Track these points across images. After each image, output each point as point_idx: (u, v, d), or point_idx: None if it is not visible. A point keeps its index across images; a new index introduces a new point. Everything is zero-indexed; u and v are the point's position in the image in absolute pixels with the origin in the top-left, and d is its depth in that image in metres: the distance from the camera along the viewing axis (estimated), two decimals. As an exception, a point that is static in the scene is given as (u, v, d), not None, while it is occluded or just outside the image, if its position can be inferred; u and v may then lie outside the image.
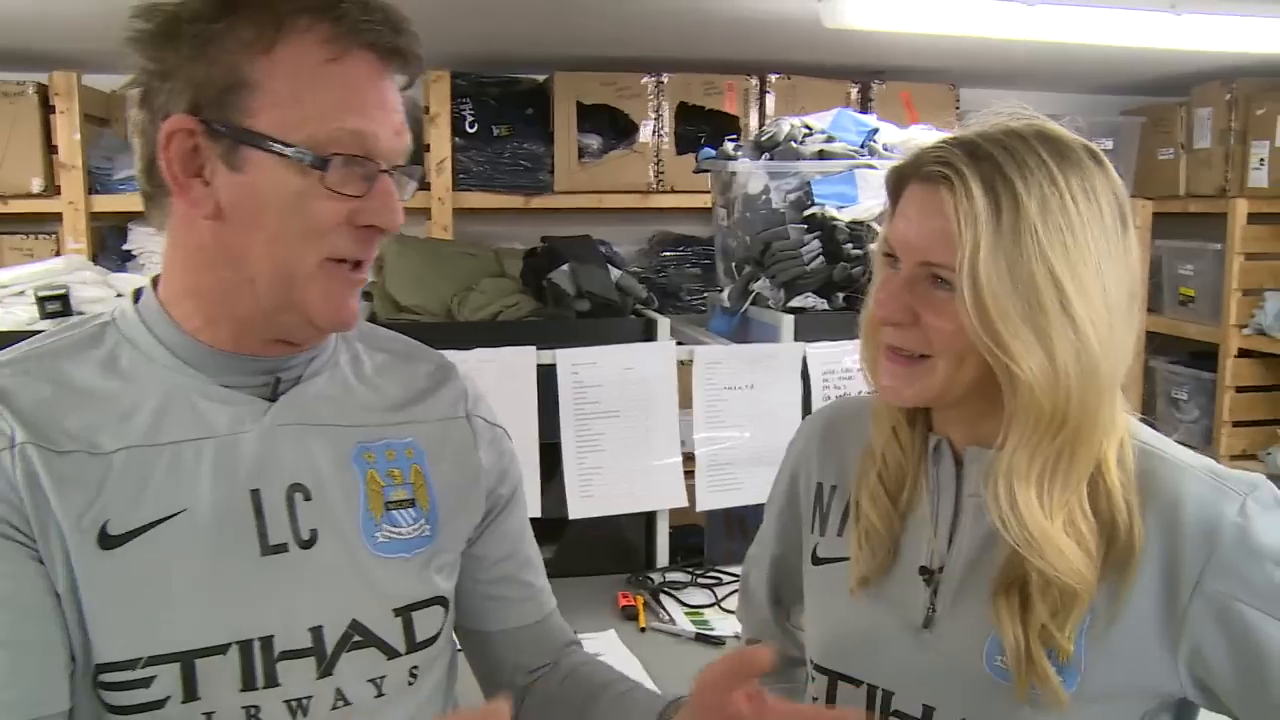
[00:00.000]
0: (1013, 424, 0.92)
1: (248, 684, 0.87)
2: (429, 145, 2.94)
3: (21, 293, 2.00)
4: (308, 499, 0.92)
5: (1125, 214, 0.95)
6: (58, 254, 2.81)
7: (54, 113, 2.79)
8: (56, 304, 1.94)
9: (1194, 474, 0.94)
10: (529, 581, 1.14)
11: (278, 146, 0.84)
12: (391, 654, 0.95)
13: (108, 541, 0.85)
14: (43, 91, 2.81)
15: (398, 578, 0.96)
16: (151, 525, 0.86)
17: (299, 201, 0.85)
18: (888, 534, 1.04)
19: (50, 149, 2.83)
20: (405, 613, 0.96)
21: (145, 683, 0.84)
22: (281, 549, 0.90)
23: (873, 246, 2.18)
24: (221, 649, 0.87)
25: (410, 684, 0.96)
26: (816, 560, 1.13)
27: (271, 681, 0.88)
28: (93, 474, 0.85)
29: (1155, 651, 0.92)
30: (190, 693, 0.85)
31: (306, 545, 0.91)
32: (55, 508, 0.83)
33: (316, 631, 0.91)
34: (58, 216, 2.85)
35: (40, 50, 2.74)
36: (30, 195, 2.82)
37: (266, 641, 0.88)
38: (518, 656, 1.14)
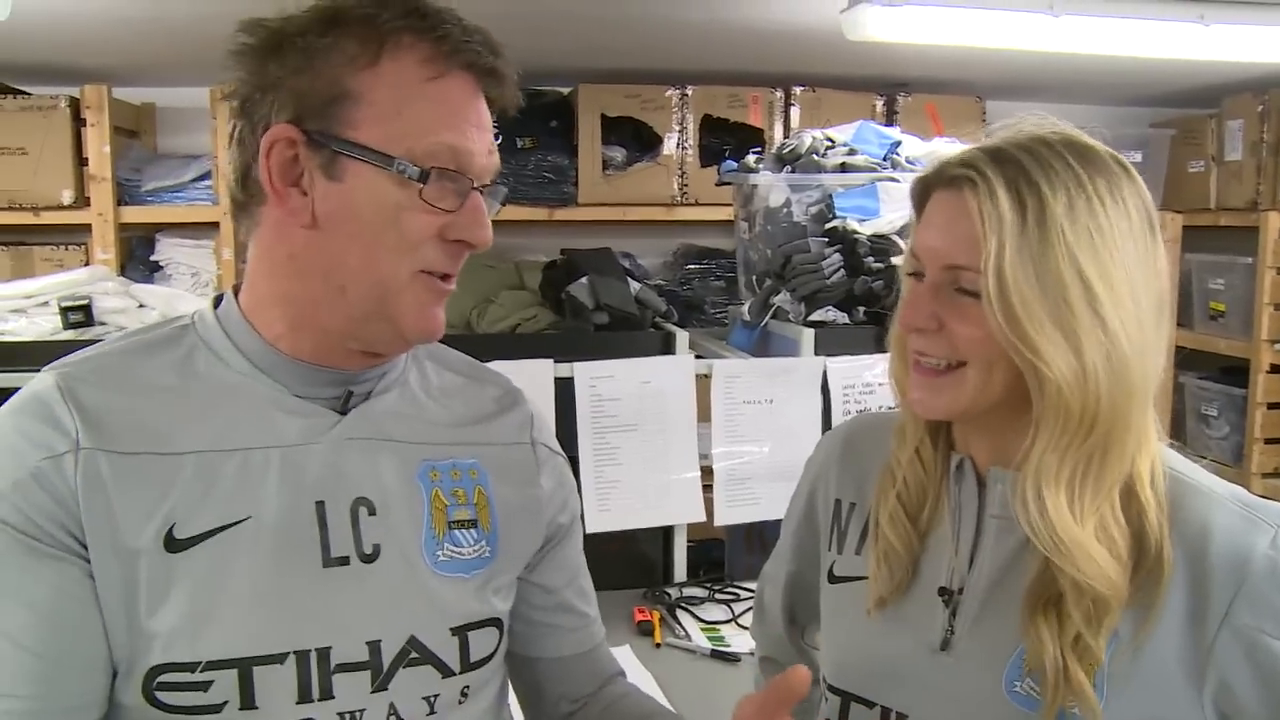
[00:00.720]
0: (1041, 427, 0.90)
1: (304, 695, 0.87)
2: (453, 157, 2.95)
3: (45, 303, 2.02)
4: (372, 514, 0.92)
5: (1153, 221, 0.93)
6: (87, 264, 2.85)
7: (85, 126, 2.85)
8: (79, 314, 1.96)
9: (1223, 503, 0.92)
10: (583, 611, 1.14)
11: (379, 158, 0.85)
12: (446, 672, 0.94)
13: (174, 545, 0.85)
14: (74, 105, 2.87)
15: (456, 597, 0.96)
16: (217, 530, 0.87)
17: (395, 213, 0.87)
18: (907, 554, 1.02)
19: (81, 161, 2.89)
20: (462, 632, 0.96)
21: (203, 686, 0.85)
22: (343, 562, 0.90)
23: (895, 260, 2.17)
24: (279, 658, 0.87)
25: (461, 703, 0.96)
26: (833, 579, 1.12)
27: (327, 694, 0.88)
28: (161, 475, 0.86)
29: (1179, 684, 0.90)
30: (248, 700, 0.86)
31: (368, 560, 0.91)
32: (118, 510, 0.84)
33: (374, 645, 0.91)
34: (87, 228, 2.90)
35: (72, 65, 2.79)
36: (61, 207, 2.88)
37: (324, 653, 0.88)
38: (564, 685, 1.13)
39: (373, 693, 0.90)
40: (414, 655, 0.92)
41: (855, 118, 2.60)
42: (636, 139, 3.11)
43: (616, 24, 2.40)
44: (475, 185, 0.89)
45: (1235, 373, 3.18)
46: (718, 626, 2.04)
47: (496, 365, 1.97)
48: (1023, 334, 0.87)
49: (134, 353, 0.92)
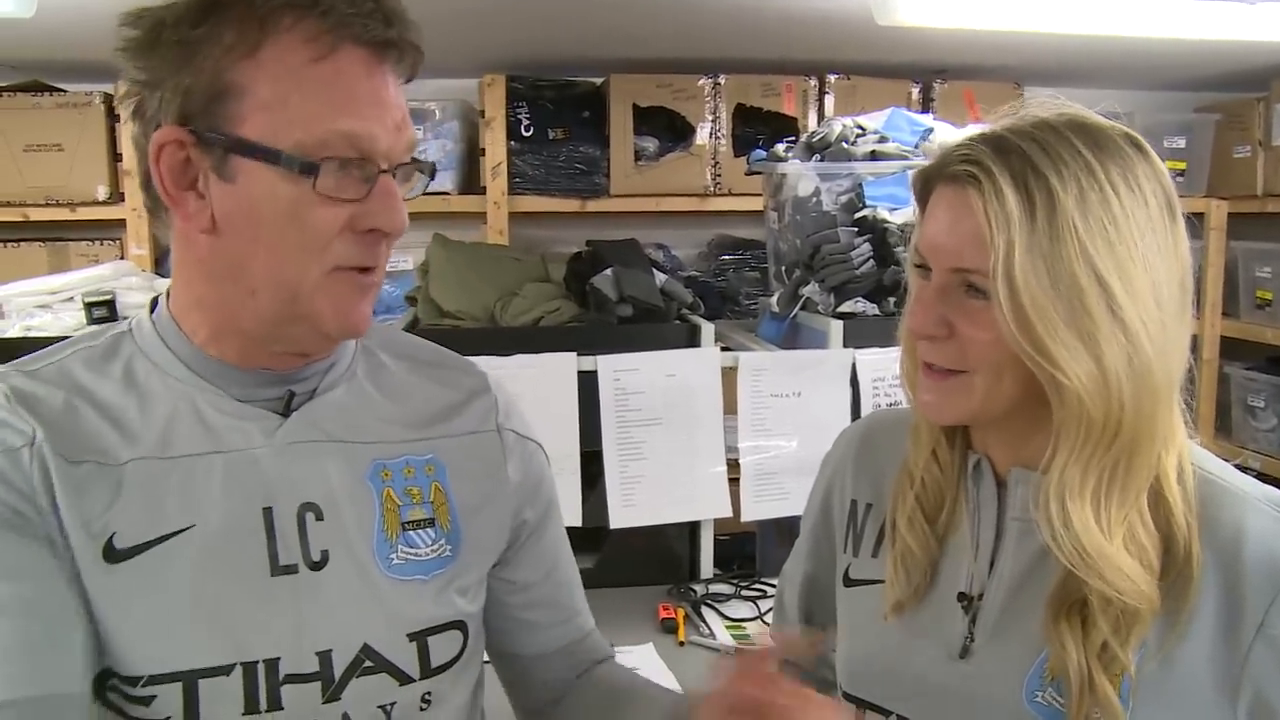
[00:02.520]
0: (1061, 437, 0.86)
1: (250, 707, 0.86)
2: (485, 149, 2.95)
3: (71, 299, 2.03)
4: (319, 519, 0.90)
5: (1172, 203, 0.89)
6: (122, 259, 2.87)
7: (119, 121, 2.86)
8: (103, 309, 1.97)
9: (1257, 506, 0.88)
10: (564, 604, 1.11)
11: (266, 154, 0.80)
12: (404, 680, 0.92)
13: (113, 556, 0.83)
14: (108, 101, 2.89)
15: (413, 601, 0.93)
16: (159, 541, 0.85)
17: (294, 210, 0.82)
18: (924, 558, 0.99)
19: (115, 157, 2.91)
20: (420, 637, 0.93)
21: (145, 701, 0.83)
22: (291, 570, 0.88)
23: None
24: (225, 670, 0.85)
25: (423, 710, 0.94)
26: (849, 582, 1.09)
27: (275, 705, 0.86)
28: (104, 486, 0.84)
29: (1210, 695, 0.86)
30: (192, 714, 0.84)
31: (317, 567, 0.89)
32: (65, 516, 0.82)
33: (325, 655, 0.89)
34: (122, 223, 2.93)
35: (106, 62, 2.78)
36: (96, 202, 2.90)
37: (272, 664, 0.86)
38: (547, 677, 1.11)
39: (324, 703, 0.88)
40: (368, 664, 0.90)
41: (890, 105, 2.54)
42: (669, 129, 3.08)
43: (647, 12, 2.37)
44: (384, 168, 0.84)
45: (1284, 363, 3.09)
46: (743, 624, 2.00)
47: (519, 358, 2.00)
48: (1037, 341, 0.83)
49: (74, 364, 0.90)
